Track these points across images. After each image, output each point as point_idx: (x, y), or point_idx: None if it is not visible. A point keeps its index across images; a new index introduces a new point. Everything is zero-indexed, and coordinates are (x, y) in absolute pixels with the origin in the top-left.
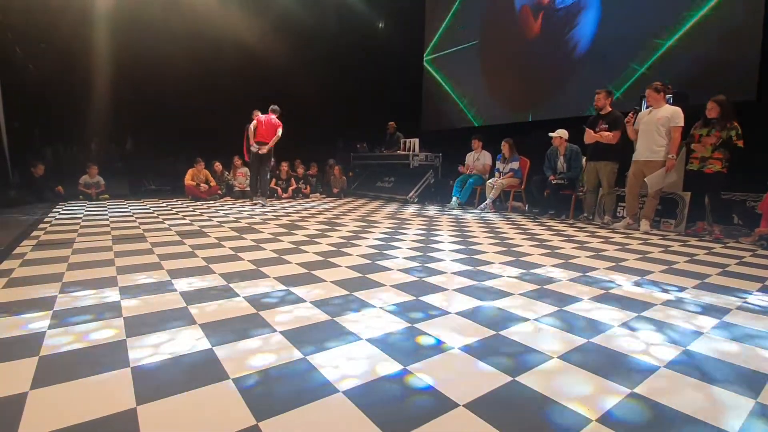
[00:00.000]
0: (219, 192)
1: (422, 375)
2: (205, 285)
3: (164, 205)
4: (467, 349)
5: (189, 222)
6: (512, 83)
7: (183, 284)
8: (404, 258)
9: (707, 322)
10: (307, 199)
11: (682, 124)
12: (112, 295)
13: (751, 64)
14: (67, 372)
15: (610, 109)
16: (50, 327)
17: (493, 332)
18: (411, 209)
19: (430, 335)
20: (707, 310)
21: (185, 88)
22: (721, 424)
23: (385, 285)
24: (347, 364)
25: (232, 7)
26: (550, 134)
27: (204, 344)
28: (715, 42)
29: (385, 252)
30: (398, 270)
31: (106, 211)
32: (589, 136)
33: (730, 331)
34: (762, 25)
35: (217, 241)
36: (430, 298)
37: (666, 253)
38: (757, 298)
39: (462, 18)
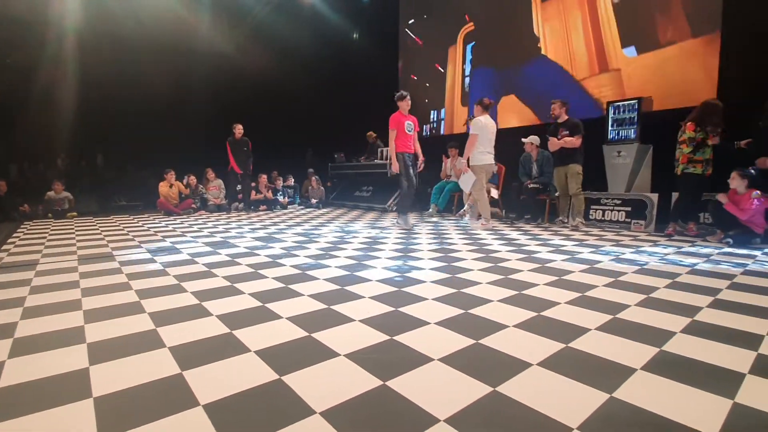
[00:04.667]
0: (193, 206)
1: (401, 390)
2: (176, 305)
3: (135, 221)
4: (447, 360)
5: (161, 238)
6: (483, 92)
7: (153, 305)
8: (383, 268)
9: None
10: (285, 211)
11: (474, 133)
12: (75, 319)
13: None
14: (26, 404)
15: (567, 117)
16: (10, 356)
17: (472, 341)
18: (390, 218)
19: (409, 347)
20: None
21: (157, 100)
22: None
23: (364, 297)
24: (325, 383)
25: (206, 19)
26: (523, 140)
27: (172, 369)
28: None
29: (363, 262)
30: (377, 281)
31: (72, 229)
32: (554, 143)
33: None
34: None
35: (190, 258)
36: (410, 309)
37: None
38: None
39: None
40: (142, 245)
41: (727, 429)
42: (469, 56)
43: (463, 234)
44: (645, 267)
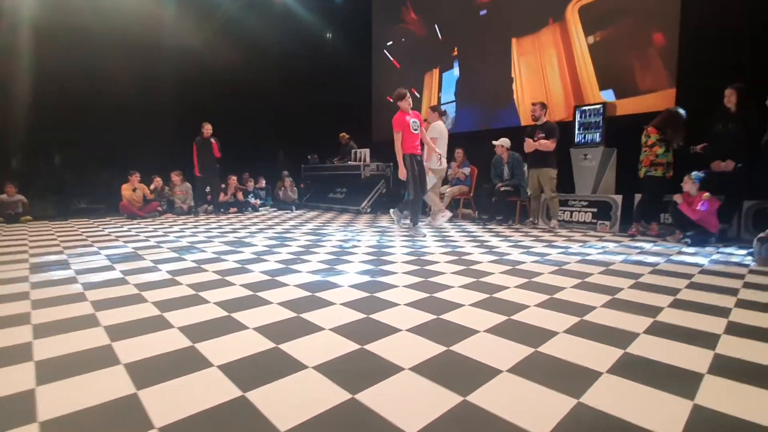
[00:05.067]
0: (159, 209)
1: (371, 403)
2: (134, 317)
3: (95, 225)
4: (417, 369)
5: (122, 244)
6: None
7: (109, 317)
8: (356, 272)
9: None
10: (257, 213)
11: (434, 137)
12: (23, 334)
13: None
14: None
15: (546, 119)
16: None
17: (443, 348)
18: (363, 220)
19: (380, 356)
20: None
21: (121, 97)
22: None
23: (335, 303)
24: (291, 398)
25: (171, 13)
26: (494, 143)
27: (127, 388)
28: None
29: (336, 267)
30: (349, 286)
31: (25, 235)
32: (529, 145)
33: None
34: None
35: (152, 264)
36: (382, 315)
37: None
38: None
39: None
40: (101, 251)
41: (689, 431)
42: (444, 83)
43: (437, 236)
44: (610, 268)
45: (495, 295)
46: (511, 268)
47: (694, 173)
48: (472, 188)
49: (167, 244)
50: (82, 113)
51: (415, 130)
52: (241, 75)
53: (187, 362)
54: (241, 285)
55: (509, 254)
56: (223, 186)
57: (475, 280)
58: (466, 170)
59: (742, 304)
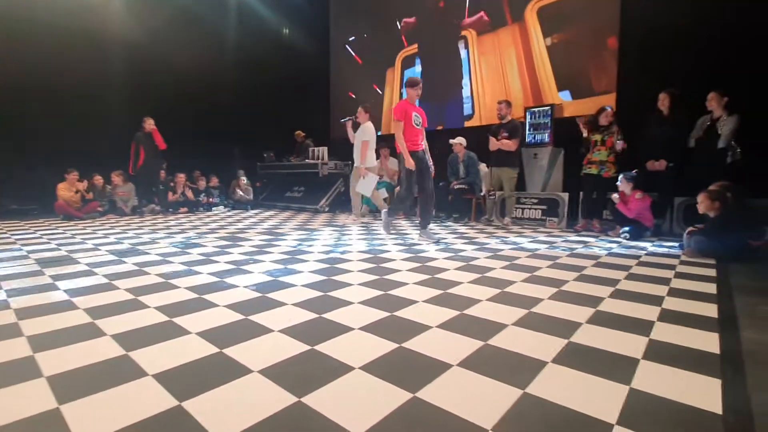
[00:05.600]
0: (100, 209)
1: (318, 405)
2: (62, 325)
3: (27, 228)
4: (368, 368)
5: (55, 247)
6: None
7: (34, 326)
8: (310, 271)
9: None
10: (209, 213)
11: (367, 139)
12: None
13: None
14: None
15: (510, 118)
16: None
17: (395, 345)
18: (321, 219)
19: (330, 356)
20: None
21: (57, 89)
22: None
23: (287, 304)
24: (232, 405)
25: (118, 1)
26: (451, 141)
27: (49, 402)
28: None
29: (290, 266)
30: (302, 285)
31: None
32: (493, 144)
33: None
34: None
35: (88, 268)
36: (334, 315)
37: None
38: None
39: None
40: (30, 256)
41: (625, 414)
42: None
43: (393, 233)
44: (557, 261)
45: (449, 291)
46: (465, 264)
47: (628, 173)
48: None
49: (106, 246)
50: (13, 106)
51: (417, 124)
52: (191, 69)
53: (118, 372)
54: (185, 288)
55: (464, 251)
56: (171, 185)
57: (429, 276)
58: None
59: (674, 292)
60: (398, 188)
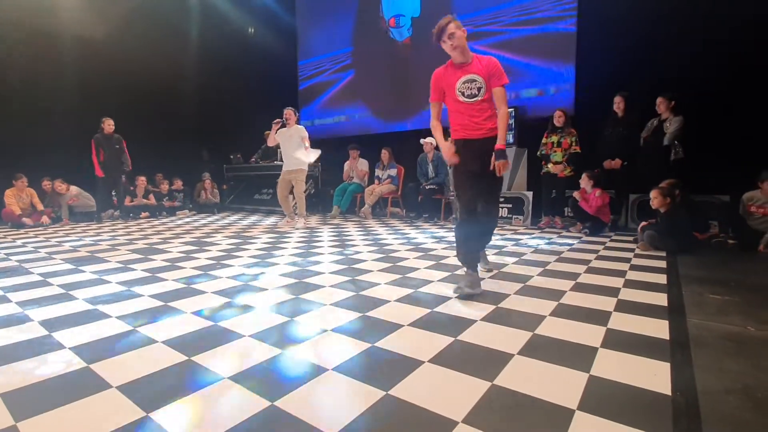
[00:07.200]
0: (53, 215)
1: (291, 408)
2: (14, 339)
3: None
4: (341, 368)
5: (3, 256)
6: (385, 94)
7: None
8: (280, 275)
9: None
10: (173, 218)
11: (306, 135)
12: None
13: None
14: None
15: None
16: None
17: (368, 344)
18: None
19: (302, 359)
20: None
21: (4, 89)
22: None
23: (255, 308)
24: (202, 413)
25: None
26: (422, 141)
27: (5, 420)
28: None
29: (260, 270)
30: (273, 288)
31: None
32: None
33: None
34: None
35: (41, 278)
36: (307, 317)
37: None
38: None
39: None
40: None
41: (585, 400)
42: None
43: (364, 234)
44: (523, 258)
45: (420, 290)
46: (435, 263)
47: (590, 172)
48: (400, 187)
49: (62, 254)
50: None
51: (469, 97)
52: (154, 68)
53: (79, 385)
54: (149, 296)
55: (434, 250)
56: (132, 188)
57: (401, 276)
58: (393, 171)
59: (629, 284)
60: (373, 189)
